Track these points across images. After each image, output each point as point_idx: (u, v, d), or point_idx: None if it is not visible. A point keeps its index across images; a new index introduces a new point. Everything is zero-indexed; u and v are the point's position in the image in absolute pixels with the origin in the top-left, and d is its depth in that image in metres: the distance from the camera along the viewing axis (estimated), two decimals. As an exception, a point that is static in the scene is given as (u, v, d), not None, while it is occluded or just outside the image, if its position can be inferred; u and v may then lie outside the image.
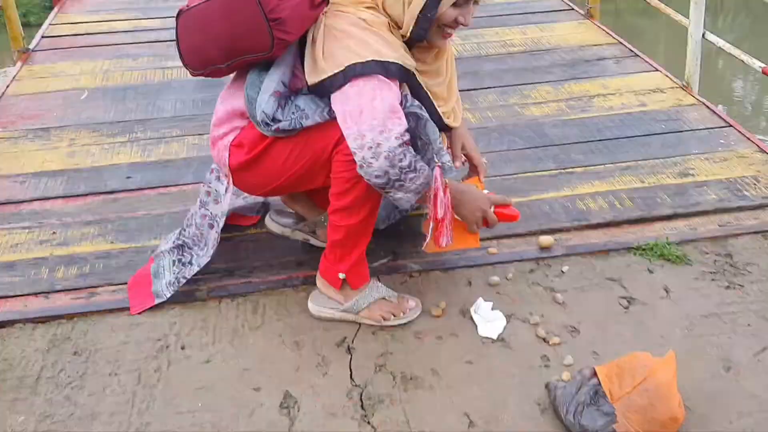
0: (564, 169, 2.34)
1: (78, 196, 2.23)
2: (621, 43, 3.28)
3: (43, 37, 3.50)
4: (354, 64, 1.49)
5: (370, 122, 1.46)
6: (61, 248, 1.99)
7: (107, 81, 3.03)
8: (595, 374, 1.45)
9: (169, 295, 1.75)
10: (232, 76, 1.70)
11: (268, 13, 1.48)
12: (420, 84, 1.61)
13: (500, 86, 2.93)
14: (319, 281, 1.71)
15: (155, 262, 1.83)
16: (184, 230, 1.83)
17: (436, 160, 1.56)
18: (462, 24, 1.57)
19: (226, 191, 1.70)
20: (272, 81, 1.57)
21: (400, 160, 1.47)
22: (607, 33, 3.40)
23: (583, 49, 3.25)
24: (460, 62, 3.09)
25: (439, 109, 1.68)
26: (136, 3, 3.93)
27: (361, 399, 1.51)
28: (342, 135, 1.50)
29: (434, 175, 1.53)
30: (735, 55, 2.67)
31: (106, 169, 2.37)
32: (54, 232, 2.05)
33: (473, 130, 2.57)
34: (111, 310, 1.76)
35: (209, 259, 1.78)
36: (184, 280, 1.77)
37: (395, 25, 1.58)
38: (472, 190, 1.68)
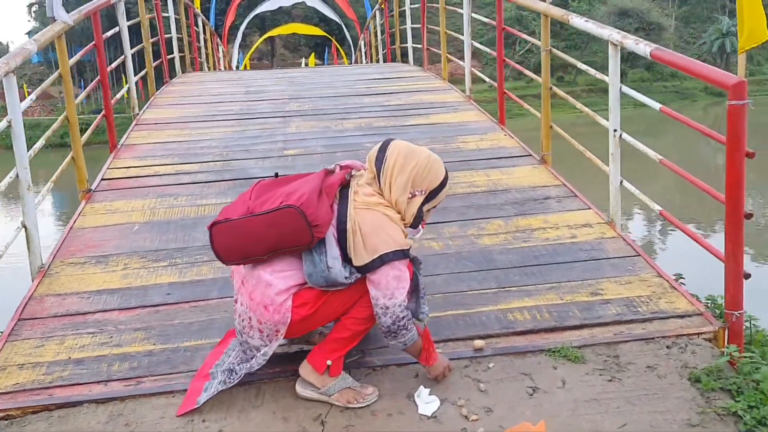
0: (502, 288, 3.01)
1: (130, 308, 2.94)
2: (564, 185, 4.03)
3: (102, 179, 4.35)
4: (386, 252, 2.21)
5: (384, 291, 2.21)
6: (117, 348, 2.67)
7: (153, 216, 3.82)
8: (492, 438, 2.06)
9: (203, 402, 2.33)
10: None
11: (311, 222, 2.18)
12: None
13: (462, 220, 3.66)
14: (304, 369, 2.36)
15: (210, 379, 2.39)
16: (241, 365, 2.37)
17: (422, 309, 2.39)
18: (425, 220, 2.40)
19: (275, 343, 2.31)
20: (334, 258, 2.25)
21: (401, 320, 2.24)
22: (555, 176, 4.16)
23: (534, 189, 4.00)
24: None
25: None
26: (176, 150, 4.81)
27: (328, 456, 2.13)
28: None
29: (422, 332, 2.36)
30: (642, 200, 3.37)
31: (151, 288, 3.09)
32: (111, 337, 2.75)
33: (436, 256, 3.29)
34: (153, 394, 2.42)
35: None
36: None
37: (402, 218, 2.32)
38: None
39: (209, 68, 11.32)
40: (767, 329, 2.96)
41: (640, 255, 3.24)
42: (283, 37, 43.32)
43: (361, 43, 15.35)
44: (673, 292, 2.93)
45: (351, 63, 19.64)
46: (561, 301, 2.89)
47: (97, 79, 4.84)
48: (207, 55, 11.26)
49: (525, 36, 5.13)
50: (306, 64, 29.81)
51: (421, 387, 2.39)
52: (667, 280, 3.01)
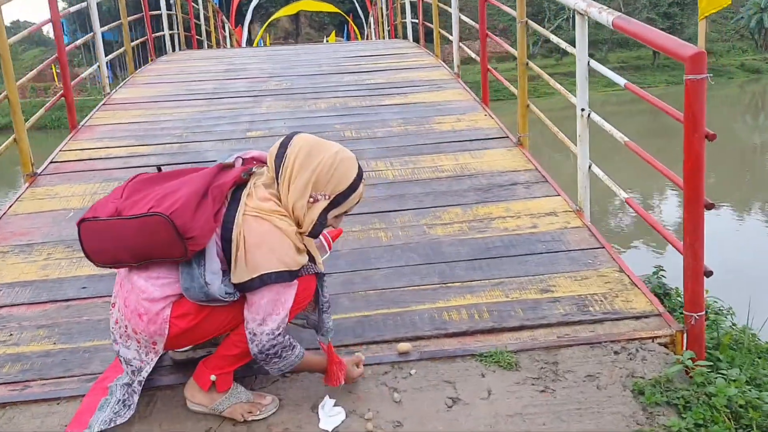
0: (444, 283, 2.73)
1: (40, 303, 2.73)
2: (537, 169, 3.70)
3: (51, 162, 4.15)
4: (268, 273, 1.91)
5: (254, 315, 1.94)
6: (13, 347, 2.46)
7: (92, 202, 3.58)
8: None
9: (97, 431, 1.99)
10: None
11: (183, 234, 1.86)
12: (313, 260, 2.11)
13: (418, 208, 3.37)
14: (190, 389, 2.10)
15: (107, 395, 2.11)
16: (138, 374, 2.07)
17: (325, 325, 2.17)
18: (333, 227, 2.13)
19: (152, 359, 2.04)
20: (213, 273, 1.95)
21: (268, 350, 1.97)
22: (529, 160, 3.83)
23: (502, 174, 3.69)
24: (391, 186, 3.59)
25: (320, 265, 2.17)
26: (135, 132, 4.59)
27: (208, 476, 1.89)
28: None
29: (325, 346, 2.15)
30: (609, 186, 3.05)
31: (68, 280, 2.88)
32: (11, 334, 2.54)
33: (381, 248, 3.02)
34: (36, 401, 2.20)
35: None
36: (119, 422, 2.02)
37: (299, 226, 2.00)
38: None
39: (210, 46, 11.09)
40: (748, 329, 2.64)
41: (603, 247, 2.93)
42: (309, 16, 42.87)
43: (371, 19, 14.99)
44: (633, 289, 2.62)
45: (363, 39, 19.29)
46: (506, 299, 2.60)
47: (54, 56, 4.64)
48: (209, 33, 11.02)
49: (504, 7, 4.77)
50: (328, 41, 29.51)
51: (326, 397, 2.13)
52: (629, 276, 2.70)
